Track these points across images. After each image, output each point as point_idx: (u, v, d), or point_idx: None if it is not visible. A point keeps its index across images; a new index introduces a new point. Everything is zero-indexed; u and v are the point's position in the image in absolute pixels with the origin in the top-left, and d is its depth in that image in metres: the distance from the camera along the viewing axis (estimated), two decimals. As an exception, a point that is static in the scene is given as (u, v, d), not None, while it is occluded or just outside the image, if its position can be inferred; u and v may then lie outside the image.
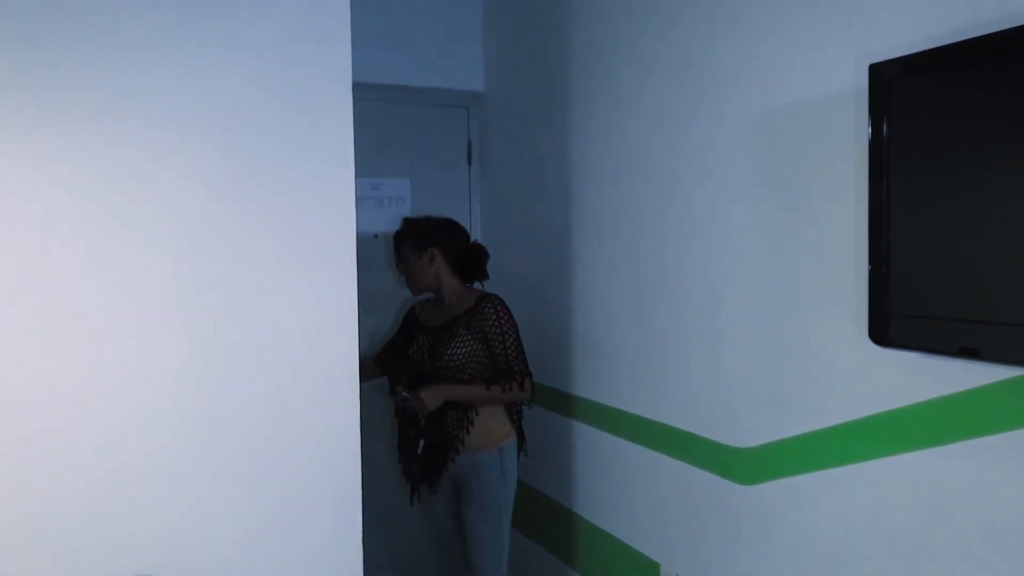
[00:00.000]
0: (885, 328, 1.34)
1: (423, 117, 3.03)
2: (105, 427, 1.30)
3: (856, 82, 1.46)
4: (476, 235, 3.06)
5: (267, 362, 1.41)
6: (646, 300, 2.15)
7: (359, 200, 1.47)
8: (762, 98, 1.72)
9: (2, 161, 1.23)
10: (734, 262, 1.83)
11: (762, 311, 1.75)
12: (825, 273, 1.57)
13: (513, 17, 2.87)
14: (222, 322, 1.38)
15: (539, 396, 2.47)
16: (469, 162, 3.12)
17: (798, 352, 1.66)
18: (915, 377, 1.38)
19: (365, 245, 2.56)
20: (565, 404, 2.56)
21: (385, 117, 2.92)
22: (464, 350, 2.29)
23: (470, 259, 2.42)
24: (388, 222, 2.94)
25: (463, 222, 2.64)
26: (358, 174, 1.48)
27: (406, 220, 2.50)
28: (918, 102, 1.28)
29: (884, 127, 1.31)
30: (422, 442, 2.31)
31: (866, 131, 1.35)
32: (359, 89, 1.48)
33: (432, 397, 2.24)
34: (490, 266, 2.46)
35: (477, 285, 2.45)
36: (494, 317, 2.30)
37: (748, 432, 1.80)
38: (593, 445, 2.41)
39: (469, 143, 3.11)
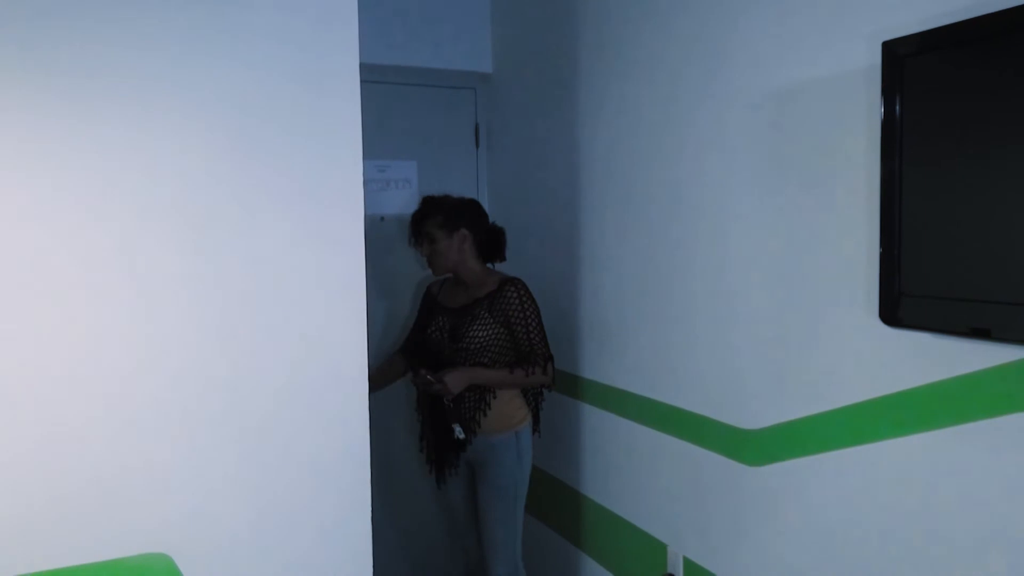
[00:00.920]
0: (895, 308, 1.33)
1: (430, 98, 3.01)
2: (125, 414, 1.32)
3: (869, 60, 1.44)
4: (483, 217, 3.05)
5: (276, 344, 1.42)
6: (655, 282, 2.14)
7: (365, 182, 1.46)
8: (773, 77, 1.70)
9: (6, 149, 1.23)
10: (743, 242, 1.82)
11: (771, 292, 1.74)
12: (835, 253, 1.56)
13: (520, -3, 2.84)
14: (231, 306, 1.38)
15: (547, 378, 2.47)
16: (476, 144, 3.10)
17: (807, 333, 1.65)
18: (925, 358, 1.38)
19: (372, 227, 2.56)
20: (573, 386, 2.56)
21: (391, 98, 2.91)
22: (485, 333, 2.29)
23: (491, 240, 2.43)
24: (395, 204, 2.93)
25: (470, 204, 2.64)
26: (364, 156, 1.48)
27: (430, 199, 2.44)
28: (932, 80, 1.26)
29: (897, 105, 1.30)
30: (457, 427, 2.28)
31: (878, 110, 1.33)
32: (365, 70, 1.47)
33: (456, 381, 2.23)
34: (497, 248, 2.46)
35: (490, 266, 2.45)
36: (517, 301, 2.30)
37: (757, 413, 1.80)
38: (600, 427, 2.41)
39: (476, 124, 3.09)
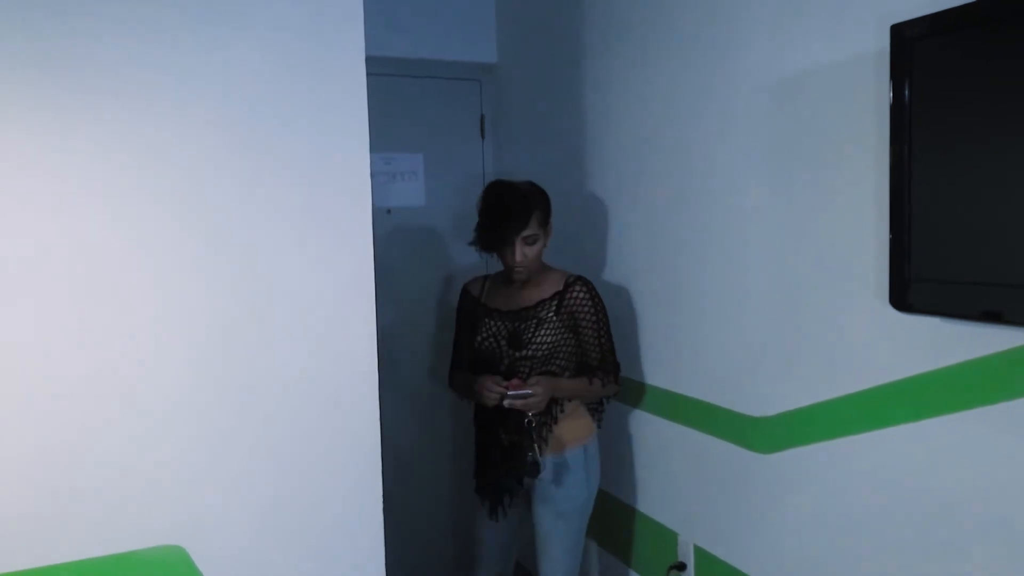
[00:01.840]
0: (906, 293, 1.33)
1: (435, 90, 3.00)
2: (140, 411, 1.33)
3: (877, 44, 1.43)
4: (490, 209, 3.04)
5: (286, 338, 1.42)
6: (664, 270, 2.14)
7: (372, 175, 1.46)
8: (781, 62, 1.69)
9: (14, 138, 1.24)
10: (752, 229, 1.81)
11: (781, 278, 1.74)
12: (845, 238, 1.55)
13: (524, -13, 2.83)
14: (240, 299, 1.39)
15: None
16: (482, 135, 3.10)
17: (817, 319, 1.64)
18: (936, 342, 1.37)
19: (378, 220, 2.56)
20: (582, 376, 2.56)
21: (397, 91, 2.90)
22: (553, 338, 2.04)
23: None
24: (402, 197, 2.93)
25: (476, 196, 2.63)
26: (370, 149, 1.48)
27: (512, 188, 2.05)
28: (941, 63, 1.25)
29: (906, 89, 1.29)
30: (536, 447, 1.97)
31: (887, 94, 1.33)
32: (370, 63, 1.47)
33: (546, 392, 1.97)
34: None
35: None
36: (589, 303, 2.06)
37: (767, 400, 1.79)
38: (610, 416, 2.41)
39: (482, 116, 3.09)
